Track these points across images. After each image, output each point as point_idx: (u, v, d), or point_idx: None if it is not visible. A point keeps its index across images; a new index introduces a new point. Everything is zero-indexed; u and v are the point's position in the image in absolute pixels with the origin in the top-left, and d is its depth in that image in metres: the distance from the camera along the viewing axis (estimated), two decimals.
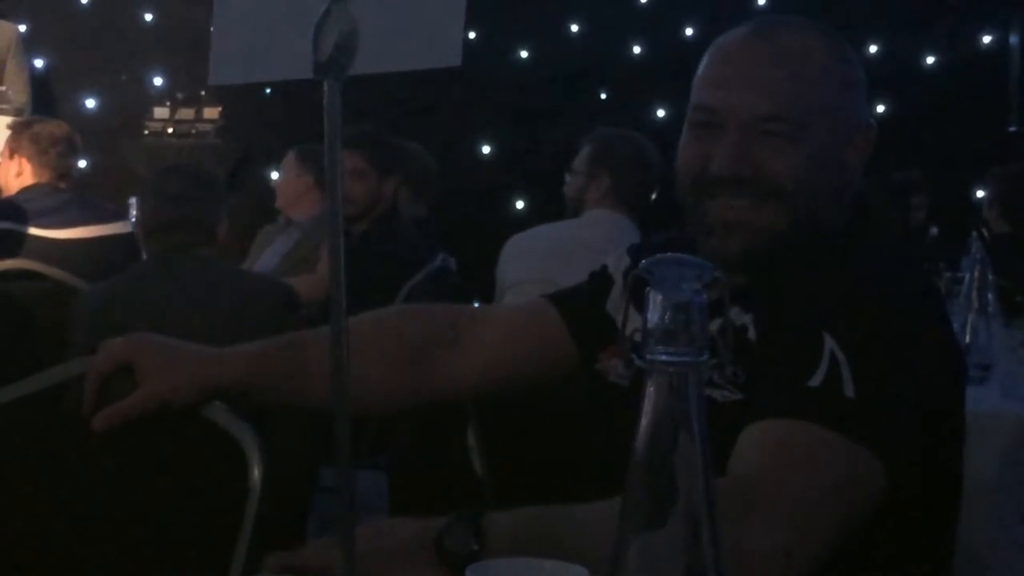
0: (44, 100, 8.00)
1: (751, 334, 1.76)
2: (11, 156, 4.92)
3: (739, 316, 1.78)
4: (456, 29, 1.03)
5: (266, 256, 5.63)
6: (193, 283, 3.47)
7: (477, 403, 2.40)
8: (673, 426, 0.91)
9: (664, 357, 0.91)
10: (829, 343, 1.61)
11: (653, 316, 0.92)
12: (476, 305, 5.06)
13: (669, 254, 0.96)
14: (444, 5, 1.04)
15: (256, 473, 1.89)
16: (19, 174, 4.88)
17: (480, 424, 2.43)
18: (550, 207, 6.55)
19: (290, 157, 5.71)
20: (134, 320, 1.96)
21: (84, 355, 2.03)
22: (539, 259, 3.86)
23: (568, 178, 4.31)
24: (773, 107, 1.80)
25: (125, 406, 1.89)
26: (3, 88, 7.15)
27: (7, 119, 6.60)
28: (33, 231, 4.61)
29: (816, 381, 1.59)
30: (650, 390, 0.92)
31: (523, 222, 5.94)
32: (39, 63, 8.39)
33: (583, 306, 2.05)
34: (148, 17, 8.76)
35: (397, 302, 4.26)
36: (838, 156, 1.84)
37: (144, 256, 3.74)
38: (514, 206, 8.63)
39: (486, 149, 8.77)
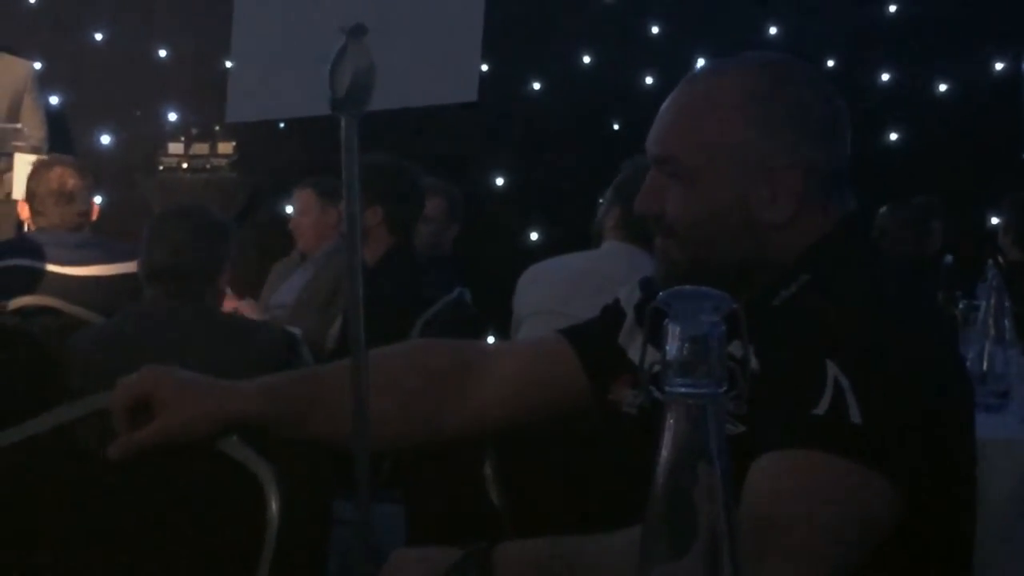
0: (60, 136, 8.03)
1: (754, 365, 1.77)
2: (31, 195, 4.95)
3: (739, 349, 1.78)
4: (473, 64, 1.04)
5: (282, 291, 5.64)
6: (188, 330, 3.45)
7: (493, 434, 2.40)
8: (693, 458, 0.92)
9: (683, 389, 0.92)
10: (832, 370, 1.61)
11: (672, 348, 0.92)
12: (490, 340, 5.07)
13: (687, 287, 0.96)
14: (460, 41, 1.05)
15: (273, 506, 1.89)
16: (38, 212, 4.90)
17: (496, 455, 2.43)
18: (564, 238, 6.56)
19: (309, 195, 5.71)
20: (126, 363, 1.97)
21: (83, 393, 2.03)
22: (555, 290, 3.86)
23: None
24: (664, 149, 1.87)
25: (141, 437, 1.90)
26: (19, 125, 7.18)
27: (25, 156, 6.63)
28: (51, 268, 4.62)
29: (821, 409, 1.60)
30: (669, 422, 0.92)
31: (537, 253, 5.95)
32: (54, 100, 8.42)
33: (595, 340, 2.07)
34: (162, 53, 8.80)
35: (413, 336, 4.27)
36: (743, 195, 1.84)
37: (144, 297, 3.72)
38: (528, 237, 8.63)
39: (499, 181, 8.78)
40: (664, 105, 1.91)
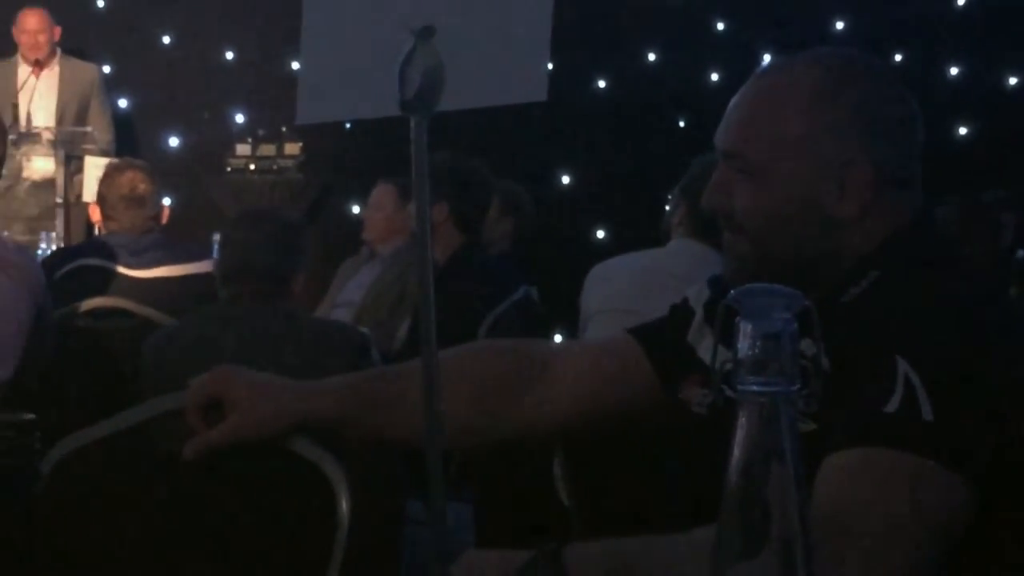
0: (128, 139, 8.12)
1: (824, 363, 1.76)
2: (102, 198, 5.00)
3: (809, 346, 1.77)
4: (542, 64, 1.03)
5: (348, 289, 5.66)
6: (261, 331, 3.48)
7: (562, 434, 2.40)
8: (766, 457, 0.91)
9: (755, 388, 0.91)
10: (903, 367, 1.60)
11: (743, 346, 0.92)
12: (558, 339, 5.07)
13: (758, 284, 0.96)
14: (529, 40, 1.05)
15: (344, 506, 1.90)
16: (109, 216, 4.95)
17: (565, 454, 2.43)
18: (630, 236, 6.54)
19: (388, 189, 5.73)
20: (198, 363, 1.98)
21: (156, 393, 2.05)
22: (622, 288, 3.85)
23: None
24: (732, 145, 1.86)
25: (213, 437, 1.92)
26: (88, 128, 7.26)
27: (94, 159, 6.70)
28: (121, 270, 4.67)
29: (892, 406, 1.58)
30: (741, 421, 0.92)
31: (604, 251, 5.94)
32: (123, 103, 8.51)
33: (664, 338, 2.06)
34: (229, 55, 8.86)
35: (480, 334, 4.27)
36: (811, 190, 1.83)
37: (219, 299, 3.75)
38: (594, 235, 8.62)
39: (565, 179, 8.78)
40: (733, 100, 1.90)
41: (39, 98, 7.57)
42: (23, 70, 7.61)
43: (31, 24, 7.61)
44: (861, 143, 1.83)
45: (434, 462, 1.02)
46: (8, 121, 6.79)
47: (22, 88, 7.53)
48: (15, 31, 7.65)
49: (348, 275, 5.84)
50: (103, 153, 7.09)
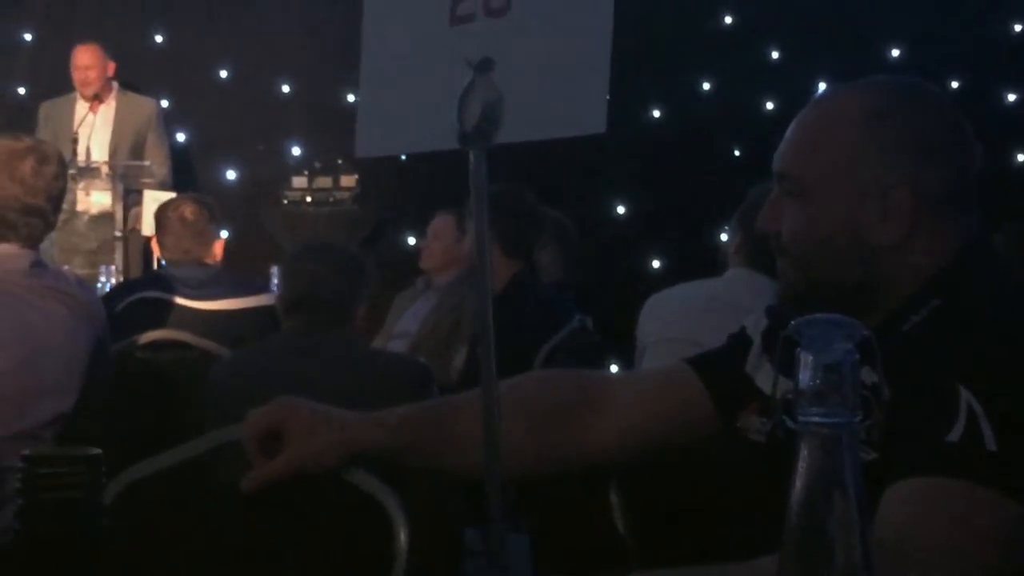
0: (186, 172, 8.18)
1: (885, 393, 1.74)
2: (160, 230, 5.06)
3: (869, 375, 1.76)
4: (600, 96, 1.04)
5: (405, 319, 5.68)
6: (324, 362, 3.49)
7: (619, 463, 2.39)
8: (828, 488, 0.91)
9: (817, 419, 0.91)
10: (965, 396, 1.59)
11: (804, 377, 0.91)
12: (615, 368, 5.05)
13: (818, 314, 0.96)
14: (588, 72, 1.05)
15: (402, 538, 1.90)
16: (168, 247, 5.00)
17: (622, 483, 2.42)
18: (686, 266, 6.53)
19: (448, 220, 5.75)
20: (260, 394, 1.99)
21: (220, 424, 2.06)
22: (679, 318, 3.83)
23: None
24: (781, 167, 1.89)
25: (271, 468, 1.92)
26: (146, 162, 7.33)
27: (153, 192, 6.76)
28: (180, 302, 4.70)
29: (955, 436, 1.57)
30: (803, 452, 0.91)
31: (660, 281, 5.93)
32: (181, 137, 8.58)
33: (722, 368, 2.06)
34: (285, 88, 8.92)
35: (536, 364, 4.27)
36: (853, 215, 1.84)
37: (281, 330, 3.78)
38: (650, 265, 8.61)
39: (621, 209, 8.77)
40: (791, 124, 1.93)
41: (96, 133, 7.66)
42: (81, 105, 7.71)
43: (81, 60, 7.71)
44: (905, 169, 1.83)
45: (494, 493, 1.02)
46: (67, 156, 6.87)
47: (80, 123, 7.62)
48: (71, 67, 7.75)
49: (404, 306, 5.86)
50: (160, 186, 7.15)
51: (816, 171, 1.86)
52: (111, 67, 7.80)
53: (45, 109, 7.84)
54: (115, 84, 7.85)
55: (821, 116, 1.90)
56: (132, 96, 7.89)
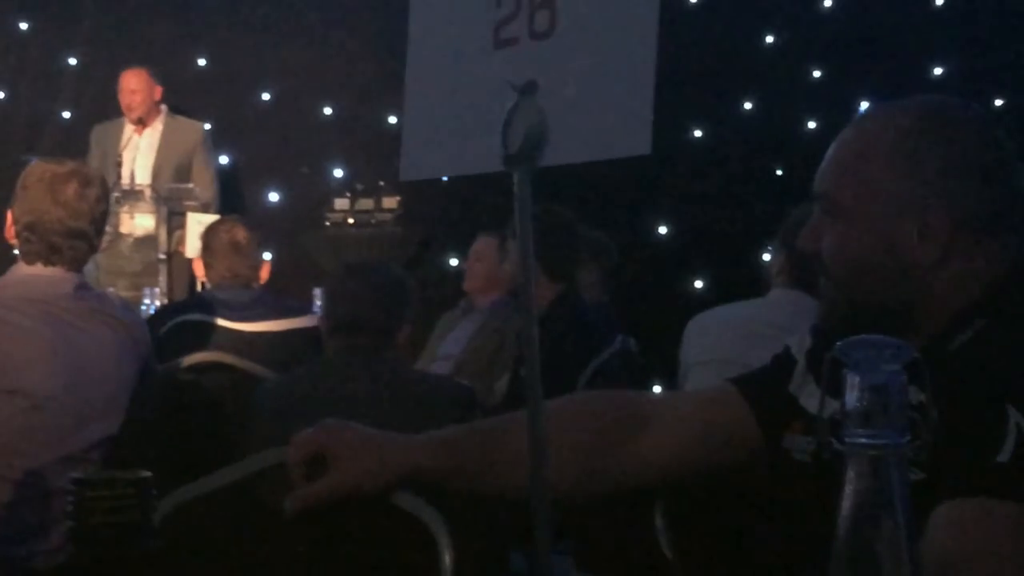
0: (229, 195, 8.22)
1: (933, 414, 1.73)
2: (204, 253, 5.08)
3: (915, 394, 1.75)
4: (645, 117, 1.04)
5: (448, 342, 5.68)
6: (368, 384, 3.49)
7: (664, 484, 2.39)
8: (875, 509, 0.90)
9: (864, 439, 0.90)
10: (1014, 416, 1.58)
11: (851, 398, 0.91)
12: (659, 390, 5.05)
13: (864, 335, 0.95)
14: (632, 94, 1.05)
15: (447, 560, 1.90)
16: (212, 269, 5.02)
17: (667, 504, 2.41)
18: (729, 286, 6.51)
19: (490, 242, 5.75)
20: (304, 416, 2.00)
21: (265, 446, 2.07)
22: (723, 338, 3.83)
23: None
24: (820, 186, 1.91)
25: (316, 491, 1.93)
26: (190, 185, 7.37)
27: (196, 215, 6.79)
28: (223, 324, 4.72)
29: (1004, 456, 1.56)
30: (850, 473, 0.91)
31: (703, 302, 5.91)
32: (224, 159, 8.62)
33: (766, 388, 2.05)
34: (327, 111, 8.96)
35: (579, 385, 4.26)
36: (890, 234, 1.84)
37: (326, 351, 3.78)
38: (693, 286, 8.59)
39: (663, 229, 8.76)
40: (832, 145, 1.94)
41: (141, 156, 7.72)
42: (128, 129, 7.78)
43: (128, 84, 7.78)
44: (942, 188, 1.83)
45: (541, 515, 1.02)
46: (111, 179, 6.92)
47: (126, 146, 7.68)
48: (118, 91, 7.82)
49: (447, 328, 5.87)
50: (204, 208, 7.19)
51: (853, 191, 1.86)
52: (158, 91, 7.86)
53: (96, 132, 7.92)
54: (163, 108, 7.91)
55: (859, 136, 1.91)
56: (179, 119, 7.95)
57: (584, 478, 2.04)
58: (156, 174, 7.61)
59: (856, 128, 1.93)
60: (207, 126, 8.11)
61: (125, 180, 7.40)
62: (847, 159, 1.89)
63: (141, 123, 7.77)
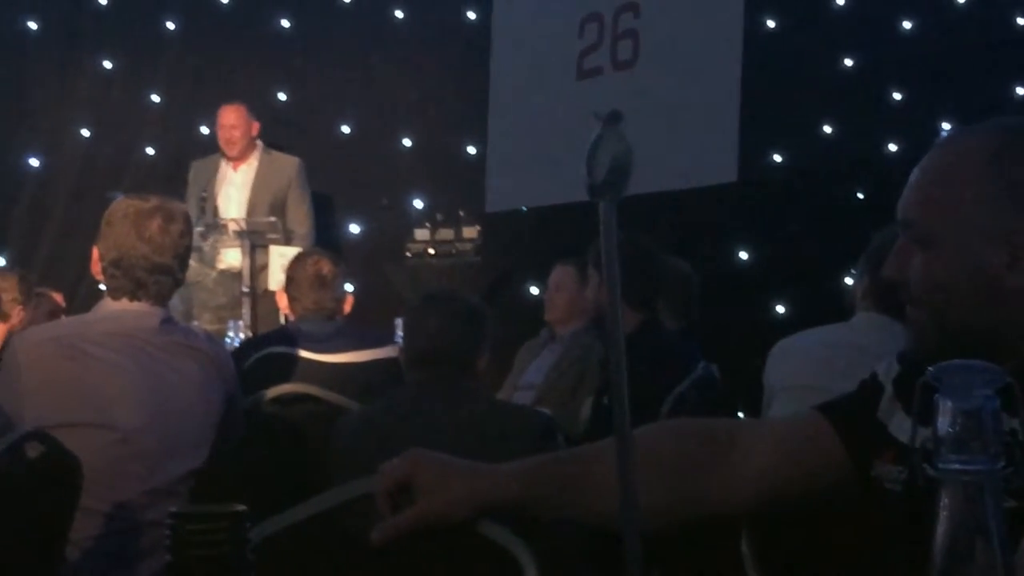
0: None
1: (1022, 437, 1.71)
2: (289, 286, 5.12)
3: (1007, 420, 1.73)
4: (731, 145, 1.04)
5: (529, 371, 5.69)
6: (449, 414, 3.50)
7: (751, 512, 2.37)
8: (970, 536, 0.89)
9: (958, 466, 0.89)
10: None
11: (944, 424, 0.90)
12: (742, 416, 5.01)
13: (956, 360, 0.94)
14: (717, 122, 1.05)
15: None
16: (296, 302, 5.06)
17: (753, 533, 2.40)
18: (811, 311, 6.46)
19: (568, 271, 5.76)
20: (388, 447, 2.01)
21: (348, 476, 2.07)
22: (807, 364, 3.79)
23: None
24: (906, 214, 1.88)
25: (403, 521, 1.93)
26: (273, 219, 7.40)
27: (278, 248, 6.84)
28: (307, 355, 4.74)
29: None
30: (944, 500, 0.90)
31: (785, 326, 5.86)
32: None
33: (854, 415, 2.03)
34: (406, 142, 9.01)
35: (662, 413, 4.25)
36: (980, 259, 1.81)
37: (407, 382, 3.79)
38: (775, 311, 8.54)
39: (744, 255, 8.72)
40: (914, 170, 1.91)
41: (235, 191, 7.81)
42: (224, 164, 7.87)
43: (226, 119, 7.88)
44: None
45: (632, 544, 1.02)
46: (196, 213, 7.00)
47: (218, 181, 7.77)
48: (216, 126, 7.92)
49: (528, 358, 5.87)
50: (301, 242, 7.25)
51: (941, 217, 1.84)
52: (255, 127, 7.95)
53: (194, 168, 8.01)
54: (259, 143, 8.00)
55: (942, 161, 1.89)
56: (274, 155, 8.03)
57: (670, 506, 2.03)
58: (251, 209, 7.68)
59: (938, 154, 1.91)
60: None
61: (212, 214, 7.49)
62: (931, 186, 1.87)
63: (239, 158, 7.87)
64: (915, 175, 1.90)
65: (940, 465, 0.90)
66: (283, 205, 7.81)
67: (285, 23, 9.29)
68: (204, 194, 7.59)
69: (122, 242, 3.50)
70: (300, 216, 7.81)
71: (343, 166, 8.92)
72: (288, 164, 7.98)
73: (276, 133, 8.29)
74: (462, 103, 8.06)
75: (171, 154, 9.05)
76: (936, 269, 1.85)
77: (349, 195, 8.95)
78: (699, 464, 2.03)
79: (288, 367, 4.69)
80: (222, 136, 7.88)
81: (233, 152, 7.85)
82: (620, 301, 3.18)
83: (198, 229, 6.41)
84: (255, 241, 7.17)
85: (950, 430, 0.90)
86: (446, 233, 8.39)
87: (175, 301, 3.69)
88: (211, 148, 8.22)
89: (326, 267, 5.05)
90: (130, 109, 9.25)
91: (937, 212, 1.84)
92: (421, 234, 8.45)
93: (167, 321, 3.54)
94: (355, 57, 9.12)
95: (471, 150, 8.55)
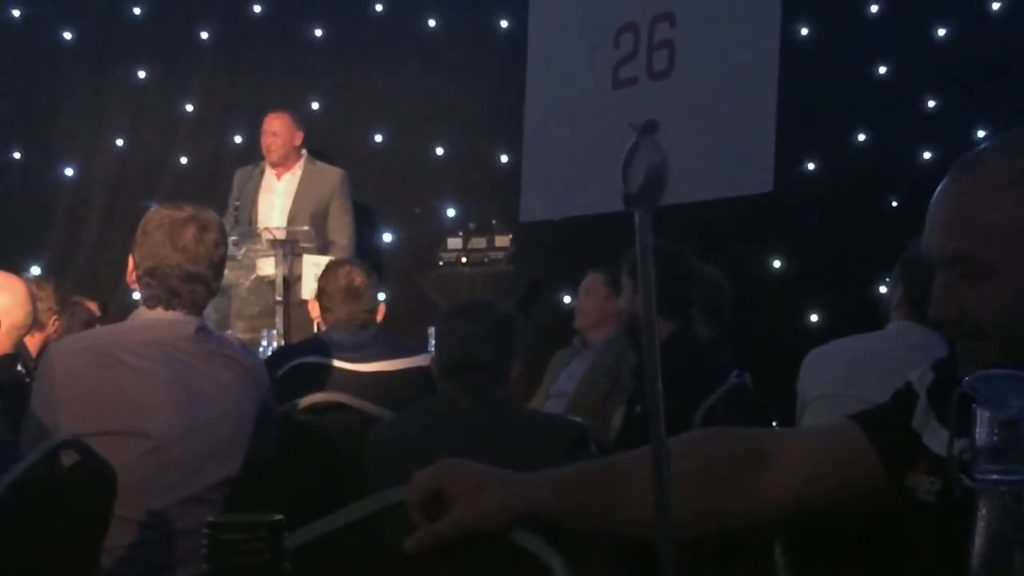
0: None
1: None
2: (321, 296, 5.12)
3: None
4: (767, 155, 1.03)
5: (561, 379, 5.69)
6: (481, 424, 3.49)
7: (784, 522, 2.36)
8: (1008, 547, 0.89)
9: (995, 476, 0.89)
10: None
11: (981, 434, 0.89)
12: (775, 425, 4.99)
13: (994, 370, 0.94)
14: (753, 132, 1.05)
15: None
16: (327, 309, 5.06)
17: (787, 541, 2.39)
18: (844, 320, 6.44)
19: (598, 278, 5.75)
20: (421, 456, 2.01)
21: (381, 484, 2.07)
22: (840, 372, 3.78)
23: None
24: (957, 249, 1.79)
25: (436, 530, 1.93)
26: (306, 227, 7.40)
27: (311, 257, 6.85)
28: (340, 364, 4.75)
29: None
30: (981, 511, 0.89)
31: (818, 335, 5.85)
32: None
33: (888, 424, 2.02)
34: (439, 151, 9.02)
35: (695, 421, 4.24)
36: None
37: (439, 390, 3.80)
38: (809, 320, 8.52)
39: (776, 263, 8.70)
40: (936, 200, 1.83)
41: (277, 199, 7.84)
42: (268, 172, 7.91)
43: (270, 127, 7.92)
44: None
45: (667, 553, 1.02)
46: (230, 222, 7.02)
47: (259, 189, 7.81)
48: (261, 133, 7.96)
49: (560, 366, 5.87)
50: (340, 253, 7.26)
51: (993, 244, 1.76)
52: (299, 136, 7.98)
53: (239, 174, 8.05)
54: (303, 153, 8.03)
55: (979, 183, 1.80)
56: (319, 165, 8.05)
57: (705, 514, 2.02)
58: (292, 218, 7.71)
59: (970, 175, 1.82)
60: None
61: (262, 222, 7.52)
62: (973, 210, 1.78)
63: (282, 166, 7.89)
64: (945, 205, 1.82)
65: (977, 476, 0.90)
66: (324, 215, 7.83)
67: (318, 32, 9.32)
68: (238, 203, 7.61)
69: (157, 251, 3.52)
70: (341, 227, 7.84)
71: (376, 175, 8.94)
72: (332, 175, 8.01)
73: (309, 142, 8.32)
74: (495, 112, 8.08)
75: (205, 163, 9.10)
76: (1005, 299, 1.76)
77: (382, 204, 8.97)
78: (733, 474, 2.03)
79: (321, 376, 4.69)
80: (264, 143, 7.93)
81: (272, 159, 7.89)
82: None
83: (232, 238, 6.43)
84: (289, 250, 7.18)
85: (988, 440, 0.89)
86: (479, 242, 8.39)
87: (208, 310, 3.70)
88: (245, 157, 8.25)
89: (358, 278, 5.04)
90: (164, 119, 9.30)
91: (988, 239, 1.76)
92: (454, 243, 8.46)
93: (202, 330, 3.55)
94: (388, 66, 9.14)
95: (504, 159, 8.56)
